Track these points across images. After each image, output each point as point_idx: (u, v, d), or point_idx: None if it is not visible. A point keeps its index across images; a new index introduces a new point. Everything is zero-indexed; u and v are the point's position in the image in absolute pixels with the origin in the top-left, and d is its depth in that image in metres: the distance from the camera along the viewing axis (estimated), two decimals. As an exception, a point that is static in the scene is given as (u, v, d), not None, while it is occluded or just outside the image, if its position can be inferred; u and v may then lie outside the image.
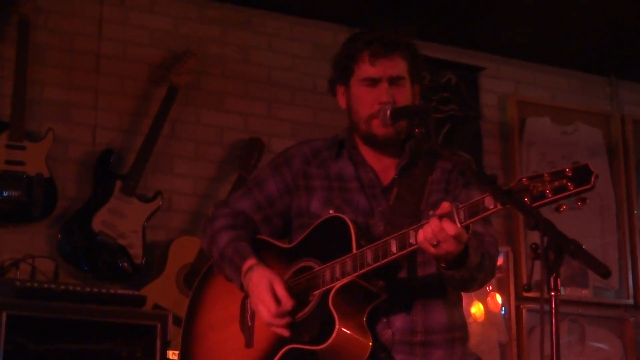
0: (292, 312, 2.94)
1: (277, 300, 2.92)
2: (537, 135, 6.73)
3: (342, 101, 3.21)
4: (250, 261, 3.04)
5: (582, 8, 6.08)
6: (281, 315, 2.92)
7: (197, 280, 3.36)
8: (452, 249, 2.70)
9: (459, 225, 2.65)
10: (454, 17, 6.26)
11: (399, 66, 3.08)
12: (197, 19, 5.91)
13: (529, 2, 6.04)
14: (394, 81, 3.06)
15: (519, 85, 6.86)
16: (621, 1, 5.99)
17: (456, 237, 2.67)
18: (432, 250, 2.71)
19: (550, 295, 2.34)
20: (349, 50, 3.13)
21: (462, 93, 6.55)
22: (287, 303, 2.92)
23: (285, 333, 2.93)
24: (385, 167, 3.14)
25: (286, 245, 3.14)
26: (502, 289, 6.33)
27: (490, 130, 6.68)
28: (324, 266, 2.94)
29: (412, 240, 2.76)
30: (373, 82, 3.07)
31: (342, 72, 3.16)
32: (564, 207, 2.51)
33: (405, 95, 3.08)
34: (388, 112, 3.00)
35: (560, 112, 6.90)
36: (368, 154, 3.16)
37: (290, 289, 2.96)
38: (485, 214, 2.64)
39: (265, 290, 2.94)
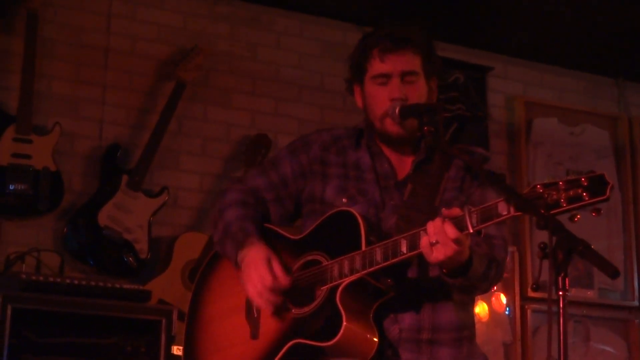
0: (285, 293, 2.94)
1: (273, 276, 2.91)
2: (544, 136, 6.73)
3: (359, 101, 3.19)
4: (253, 239, 3.03)
5: (591, 10, 6.08)
6: (274, 290, 2.91)
7: (199, 270, 3.34)
8: (450, 254, 2.67)
9: (470, 229, 2.63)
10: (463, 17, 6.26)
11: (410, 61, 3.05)
12: (206, 16, 5.91)
13: (538, 3, 6.03)
14: (406, 76, 3.04)
15: (526, 86, 6.86)
16: (630, 3, 5.99)
17: (456, 242, 2.65)
18: (432, 255, 2.69)
19: (559, 295, 2.33)
20: (361, 49, 3.12)
21: (470, 93, 6.54)
22: (284, 280, 2.92)
23: (270, 308, 2.92)
24: (401, 162, 3.12)
25: (294, 237, 3.12)
26: (507, 289, 6.32)
27: (497, 130, 6.68)
28: (332, 261, 2.93)
29: None
30: (384, 78, 3.04)
31: (356, 72, 3.15)
32: (578, 217, 2.48)
33: (418, 91, 3.06)
34: (397, 110, 2.98)
35: (567, 113, 6.89)
36: (385, 147, 3.14)
37: (288, 270, 2.97)
38: (498, 219, 2.61)
39: (262, 263, 2.93)
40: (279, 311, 2.96)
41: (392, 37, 3.05)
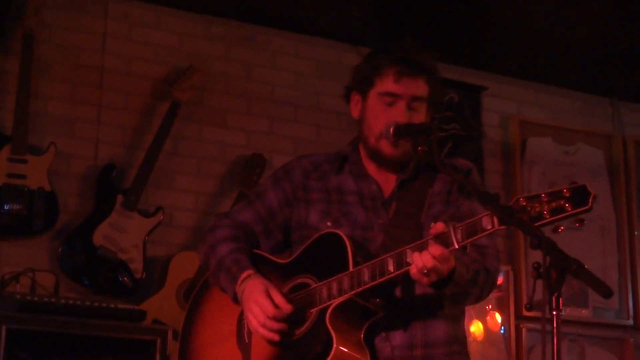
0: (288, 322, 2.93)
1: (274, 305, 2.91)
2: (538, 155, 6.74)
3: (354, 111, 3.19)
4: (249, 271, 3.04)
5: (585, 29, 6.10)
6: (277, 318, 2.90)
7: (193, 294, 3.35)
8: (440, 273, 2.72)
9: (456, 245, 2.65)
10: (458, 37, 6.28)
11: (421, 88, 3.06)
12: (202, 36, 5.93)
13: (532, 23, 6.06)
14: (413, 102, 3.04)
15: (521, 105, 6.87)
16: (623, 23, 6.01)
17: (442, 259, 2.68)
18: (424, 279, 2.72)
19: (552, 315, 2.33)
20: (375, 62, 3.11)
21: (465, 112, 6.56)
22: (285, 307, 2.92)
23: (276, 338, 2.91)
24: (387, 181, 3.13)
25: (283, 261, 3.12)
26: (501, 308, 6.32)
27: (492, 149, 6.69)
28: (320, 283, 2.93)
29: (409, 259, 2.74)
30: (393, 98, 3.04)
31: (362, 82, 3.14)
32: (562, 228, 2.50)
33: (420, 119, 3.05)
34: (391, 130, 2.99)
35: (562, 132, 6.91)
36: (371, 167, 3.15)
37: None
38: (483, 234, 2.63)
39: (262, 295, 2.93)
40: (283, 338, 2.94)
41: (412, 61, 3.06)
